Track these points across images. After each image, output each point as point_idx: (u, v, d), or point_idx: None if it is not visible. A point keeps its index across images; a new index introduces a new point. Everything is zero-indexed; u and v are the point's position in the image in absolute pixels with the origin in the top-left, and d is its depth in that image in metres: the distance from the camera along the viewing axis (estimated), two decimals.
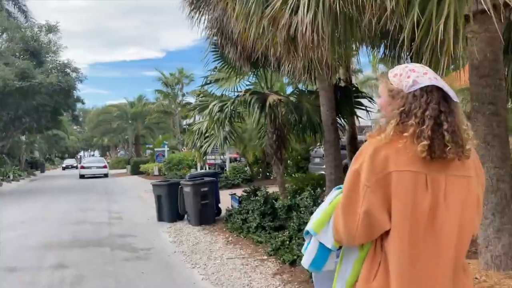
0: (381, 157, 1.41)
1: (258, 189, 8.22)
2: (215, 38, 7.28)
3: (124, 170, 35.00)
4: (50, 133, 40.22)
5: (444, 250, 1.40)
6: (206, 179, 8.62)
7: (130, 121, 37.08)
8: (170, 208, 8.89)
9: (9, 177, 24.47)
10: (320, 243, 1.59)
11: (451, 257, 1.42)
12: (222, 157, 18.97)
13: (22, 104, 20.12)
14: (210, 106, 7.04)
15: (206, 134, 7.79)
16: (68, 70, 19.80)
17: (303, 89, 7.83)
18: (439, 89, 1.44)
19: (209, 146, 8.32)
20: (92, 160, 33.38)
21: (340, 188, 1.61)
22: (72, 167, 47.35)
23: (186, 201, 8.42)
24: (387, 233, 1.42)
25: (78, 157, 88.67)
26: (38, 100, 21.31)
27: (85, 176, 27.59)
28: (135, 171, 29.11)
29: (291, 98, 7.60)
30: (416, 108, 1.42)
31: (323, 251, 1.59)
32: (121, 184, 21.86)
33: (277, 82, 10.24)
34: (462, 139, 1.41)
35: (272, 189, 8.66)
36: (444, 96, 1.44)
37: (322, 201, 1.82)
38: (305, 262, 1.64)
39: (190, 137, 8.27)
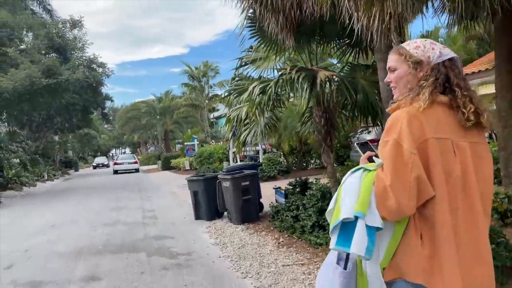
0: (417, 124, 1.45)
1: (306, 182, 7.31)
2: (251, 11, 6.36)
3: (155, 166, 34.84)
4: (82, 132, 40.66)
5: (477, 214, 1.50)
6: (246, 172, 7.76)
7: (158, 117, 36.76)
8: (208, 205, 8.11)
9: (43, 177, 24.49)
10: (366, 225, 1.49)
11: (482, 219, 1.51)
12: (255, 148, 18.10)
13: (52, 104, 19.91)
14: (250, 89, 6.13)
15: (246, 121, 6.90)
16: (94, 66, 19.35)
17: (355, 63, 6.80)
18: (459, 64, 1.58)
19: (248, 134, 7.43)
20: (124, 157, 36.37)
21: (360, 169, 1.58)
22: (103, 165, 44.09)
23: (225, 197, 7.60)
24: (423, 204, 1.46)
25: (111, 155, 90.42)
26: (68, 98, 21.08)
27: (118, 171, 30.28)
28: (166, 166, 28.77)
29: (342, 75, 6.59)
30: (453, 80, 1.53)
31: (371, 234, 1.49)
32: (153, 180, 21.41)
33: (323, 57, 9.23)
34: (485, 108, 1.56)
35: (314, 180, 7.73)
36: (461, 71, 1.59)
37: None
38: (359, 248, 1.47)
39: (228, 125, 7.40)
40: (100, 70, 19.46)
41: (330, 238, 1.57)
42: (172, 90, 38.35)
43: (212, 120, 36.92)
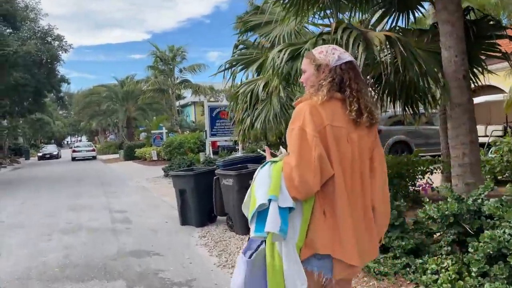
0: (317, 113, 1.68)
1: None
2: None
3: (116, 156, 32.20)
4: (34, 118, 37.23)
5: (366, 191, 1.78)
6: (252, 166, 6.08)
7: (120, 102, 33.98)
8: (199, 207, 6.37)
9: None
10: (279, 207, 1.64)
11: (368, 194, 1.79)
12: (232, 139, 16.31)
13: None
14: (273, 54, 4.43)
15: (263, 98, 5.17)
16: (49, 39, 16.74)
17: (406, 27, 5.26)
18: (355, 67, 1.83)
19: (257, 118, 5.70)
20: (82, 144, 37.82)
21: (267, 163, 1.79)
22: (52, 156, 36.20)
23: (225, 198, 5.89)
24: (325, 182, 1.66)
25: (66, 143, 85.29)
26: (17, 77, 18.41)
27: (76, 158, 31.96)
28: (130, 156, 26.39)
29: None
30: (347, 80, 1.76)
31: (284, 214, 1.63)
32: (116, 171, 19.18)
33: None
34: (376, 108, 2.04)
35: None
36: (359, 73, 1.84)
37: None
38: (272, 226, 1.62)
39: (234, 104, 5.67)
40: (56, 43, 16.89)
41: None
42: (136, 74, 35.59)
43: (177, 108, 34.67)
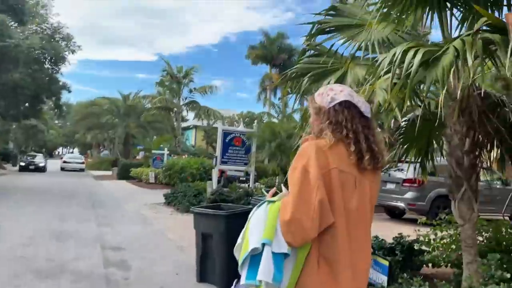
0: (323, 155, 1.56)
1: (411, 246, 4.16)
2: None
3: (109, 172, 30.32)
4: (28, 124, 35.49)
5: (367, 241, 1.68)
6: None
7: (121, 117, 32.39)
8: (228, 260, 4.68)
9: None
10: (272, 252, 1.52)
11: (368, 246, 1.69)
12: (243, 168, 14.64)
13: None
14: (388, 58, 2.94)
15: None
16: (57, 37, 15.26)
17: None
18: (355, 105, 1.68)
19: None
20: (73, 156, 39.30)
21: (264, 203, 1.67)
22: (37, 168, 29.88)
23: None
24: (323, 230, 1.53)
25: (57, 153, 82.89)
26: (17, 79, 16.91)
27: (65, 169, 32.88)
28: (124, 175, 24.53)
29: None
30: (343, 121, 1.63)
31: (278, 261, 1.52)
32: (109, 191, 17.35)
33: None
34: (383, 150, 1.70)
35: None
36: (360, 112, 1.68)
37: None
38: (265, 275, 1.48)
39: (303, 128, 4.12)
40: (64, 43, 15.42)
41: None
42: (141, 90, 34.08)
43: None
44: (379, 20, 4.20)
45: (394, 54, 2.92)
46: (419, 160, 5.32)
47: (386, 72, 3.20)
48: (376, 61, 4.17)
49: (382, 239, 4.64)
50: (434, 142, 5.28)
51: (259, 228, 1.57)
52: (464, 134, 3.88)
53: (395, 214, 11.74)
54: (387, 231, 7.28)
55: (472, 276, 3.75)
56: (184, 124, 38.42)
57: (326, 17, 4.73)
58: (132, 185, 20.74)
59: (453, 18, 4.13)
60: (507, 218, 11.35)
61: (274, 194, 1.73)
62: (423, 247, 4.69)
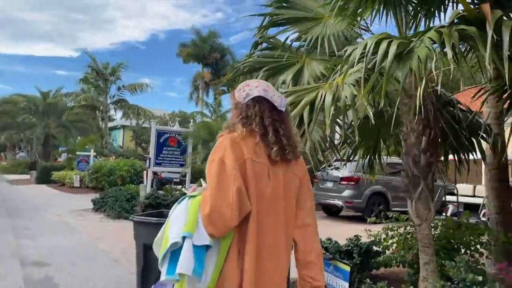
0: (238, 147, 1.62)
1: (369, 248, 4.05)
2: None
3: (26, 176, 27.69)
4: None
5: (281, 233, 1.66)
6: None
7: (40, 116, 29.76)
8: None
9: None
10: (194, 245, 1.51)
11: (284, 233, 1.67)
12: (180, 169, 13.99)
13: None
14: (360, 49, 2.70)
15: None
16: None
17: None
18: (268, 100, 1.74)
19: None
20: None
21: (185, 198, 1.68)
22: None
23: None
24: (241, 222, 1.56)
25: None
26: None
27: None
28: (44, 179, 22.52)
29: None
30: (252, 115, 1.70)
31: (199, 253, 1.51)
32: (28, 196, 15.71)
33: None
34: (295, 142, 1.75)
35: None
36: (274, 106, 1.74)
37: None
38: (185, 267, 1.47)
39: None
40: None
41: None
42: (63, 87, 31.37)
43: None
44: (336, 14, 4.05)
45: (365, 46, 2.71)
46: (367, 158, 5.28)
47: (351, 67, 3.01)
48: (334, 55, 4.00)
49: (336, 241, 4.48)
50: (382, 141, 5.29)
51: (180, 223, 1.57)
52: (420, 132, 3.81)
53: (332, 212, 11.91)
54: (328, 229, 7.24)
55: (430, 276, 3.70)
56: (111, 124, 36.40)
57: (276, 9, 4.50)
58: (54, 189, 19.06)
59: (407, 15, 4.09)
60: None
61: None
62: (375, 248, 4.61)
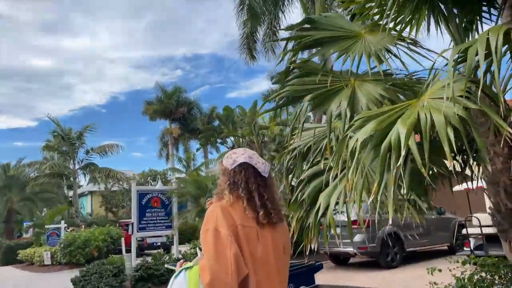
0: (228, 213, 1.71)
1: None
2: None
3: None
4: None
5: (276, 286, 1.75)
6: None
7: (1, 191, 27.62)
8: None
9: None
10: None
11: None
12: (168, 232, 12.69)
13: None
14: (455, 54, 2.03)
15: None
16: None
17: None
18: (253, 166, 1.85)
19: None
20: None
21: (181, 270, 1.73)
22: None
23: None
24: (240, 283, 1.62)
25: None
26: None
27: None
28: (9, 260, 20.38)
29: None
30: (239, 180, 1.81)
31: None
32: None
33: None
34: (279, 206, 1.86)
35: None
36: (258, 172, 1.85)
37: None
38: None
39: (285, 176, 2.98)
40: None
41: None
42: (24, 157, 29.35)
43: (71, 198, 29.44)
44: (371, 29, 3.44)
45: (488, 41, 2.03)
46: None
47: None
48: (391, 74, 3.35)
49: None
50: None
51: None
52: (507, 155, 3.13)
53: (340, 260, 10.96)
54: (348, 281, 6.31)
55: None
56: (78, 191, 34.43)
57: (299, 31, 3.85)
58: (22, 270, 17.06)
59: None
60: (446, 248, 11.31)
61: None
62: None
